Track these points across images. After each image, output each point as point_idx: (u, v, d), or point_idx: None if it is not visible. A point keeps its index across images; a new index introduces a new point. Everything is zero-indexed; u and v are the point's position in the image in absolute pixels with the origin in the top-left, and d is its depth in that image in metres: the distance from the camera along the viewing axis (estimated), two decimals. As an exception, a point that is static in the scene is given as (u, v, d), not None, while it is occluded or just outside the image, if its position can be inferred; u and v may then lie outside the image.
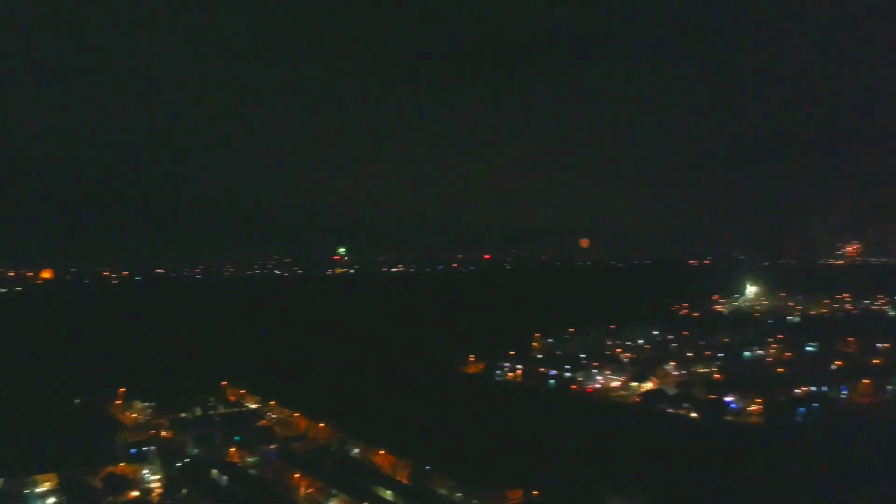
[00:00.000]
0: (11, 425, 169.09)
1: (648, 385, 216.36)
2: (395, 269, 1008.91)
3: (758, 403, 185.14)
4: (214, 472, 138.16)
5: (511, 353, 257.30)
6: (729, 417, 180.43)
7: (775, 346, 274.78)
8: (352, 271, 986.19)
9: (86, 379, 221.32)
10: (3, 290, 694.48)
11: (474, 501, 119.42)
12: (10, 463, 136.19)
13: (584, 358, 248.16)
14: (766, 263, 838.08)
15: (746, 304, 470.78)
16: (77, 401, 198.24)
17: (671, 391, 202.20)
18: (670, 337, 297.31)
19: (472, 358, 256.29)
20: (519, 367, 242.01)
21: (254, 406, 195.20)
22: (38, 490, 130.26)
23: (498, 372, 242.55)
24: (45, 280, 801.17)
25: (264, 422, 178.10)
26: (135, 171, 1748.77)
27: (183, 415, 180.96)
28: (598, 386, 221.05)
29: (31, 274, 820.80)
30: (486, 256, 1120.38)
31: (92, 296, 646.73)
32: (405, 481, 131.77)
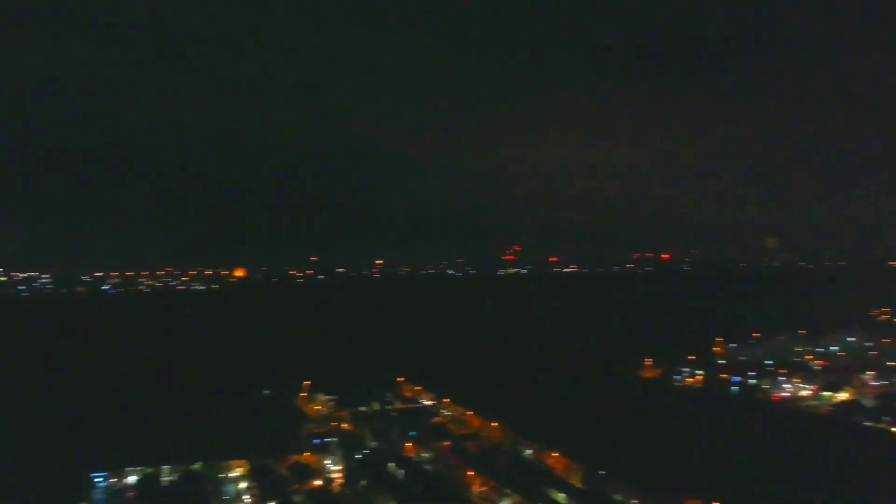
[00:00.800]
0: (208, 415, 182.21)
1: (843, 395, 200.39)
2: (567, 270, 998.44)
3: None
4: (391, 465, 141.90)
5: (691, 357, 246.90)
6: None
7: None
8: (524, 271, 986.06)
9: (274, 372, 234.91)
10: (202, 288, 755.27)
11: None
12: (207, 449, 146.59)
13: (770, 364, 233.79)
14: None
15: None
16: (266, 392, 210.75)
17: (869, 403, 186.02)
18: (868, 344, 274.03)
19: (648, 362, 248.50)
20: (699, 372, 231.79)
21: (428, 403, 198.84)
22: (231, 475, 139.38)
23: (676, 377, 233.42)
24: (239, 278, 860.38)
25: (438, 419, 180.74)
26: (319, 176, 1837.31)
27: (362, 409, 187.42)
28: (785, 394, 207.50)
29: (226, 272, 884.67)
30: (665, 257, 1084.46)
31: (280, 293, 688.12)
32: (578, 485, 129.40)
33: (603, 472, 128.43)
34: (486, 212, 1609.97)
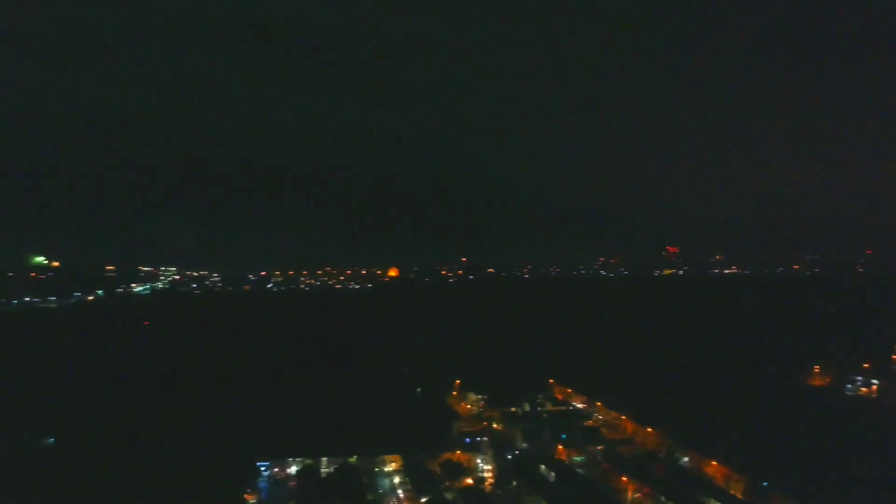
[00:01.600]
0: (364, 410, 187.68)
1: None
2: (728, 271, 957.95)
3: None
4: (543, 467, 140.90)
5: (865, 365, 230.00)
6: None
7: None
8: (681, 272, 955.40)
9: (426, 370, 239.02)
10: (357, 287, 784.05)
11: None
12: (363, 444, 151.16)
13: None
14: None
15: None
16: (419, 390, 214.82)
17: None
18: None
19: (817, 369, 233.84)
20: (875, 381, 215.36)
21: (580, 406, 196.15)
22: (385, 469, 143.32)
23: (849, 386, 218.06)
24: (392, 278, 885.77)
25: (590, 422, 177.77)
26: (471, 177, 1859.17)
27: (513, 409, 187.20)
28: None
29: (380, 272, 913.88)
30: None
31: (431, 292, 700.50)
32: (739, 496, 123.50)
33: (766, 484, 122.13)
34: (643, 212, 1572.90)
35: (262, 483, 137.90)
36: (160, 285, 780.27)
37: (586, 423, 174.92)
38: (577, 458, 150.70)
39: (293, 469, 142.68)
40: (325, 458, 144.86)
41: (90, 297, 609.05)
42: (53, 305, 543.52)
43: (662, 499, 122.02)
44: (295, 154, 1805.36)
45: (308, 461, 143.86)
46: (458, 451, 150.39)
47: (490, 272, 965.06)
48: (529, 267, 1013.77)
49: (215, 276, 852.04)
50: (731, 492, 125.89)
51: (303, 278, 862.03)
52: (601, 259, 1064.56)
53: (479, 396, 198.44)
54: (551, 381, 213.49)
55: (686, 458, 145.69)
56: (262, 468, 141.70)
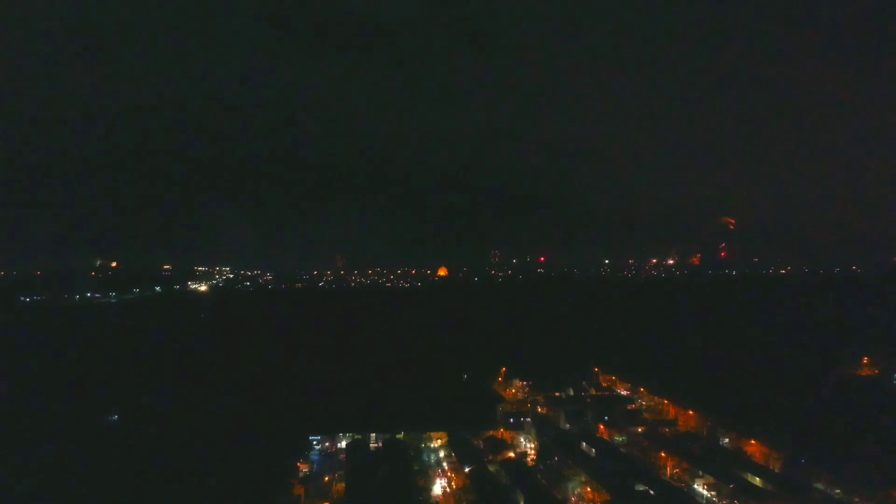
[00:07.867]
0: (412, 392, 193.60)
1: None
2: (782, 272, 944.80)
3: None
4: (584, 444, 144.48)
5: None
6: None
7: None
8: (734, 272, 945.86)
9: (473, 358, 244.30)
10: (407, 286, 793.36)
11: (855, 499, 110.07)
12: (411, 421, 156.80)
13: None
14: None
15: None
16: (465, 376, 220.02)
17: None
18: None
19: (865, 360, 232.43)
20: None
21: (624, 392, 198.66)
22: (431, 445, 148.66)
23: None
24: (441, 277, 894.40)
25: (633, 406, 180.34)
26: (522, 180, 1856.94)
27: (557, 394, 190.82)
28: None
29: (430, 272, 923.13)
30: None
31: (482, 290, 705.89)
32: (776, 471, 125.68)
33: (804, 461, 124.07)
34: (691, 213, 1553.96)
35: (313, 455, 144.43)
36: (216, 283, 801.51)
37: (629, 407, 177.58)
38: (619, 438, 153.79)
39: (343, 444, 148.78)
40: (373, 434, 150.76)
41: (148, 293, 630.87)
42: (114, 300, 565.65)
43: (700, 472, 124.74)
44: (348, 155, 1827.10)
45: (357, 436, 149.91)
46: (502, 430, 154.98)
47: (540, 272, 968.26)
48: (579, 269, 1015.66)
49: (268, 275, 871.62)
50: (770, 468, 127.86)
51: (353, 277, 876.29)
52: (653, 261, 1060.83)
53: (524, 383, 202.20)
54: (596, 369, 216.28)
55: (726, 439, 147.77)
56: (314, 442, 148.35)
